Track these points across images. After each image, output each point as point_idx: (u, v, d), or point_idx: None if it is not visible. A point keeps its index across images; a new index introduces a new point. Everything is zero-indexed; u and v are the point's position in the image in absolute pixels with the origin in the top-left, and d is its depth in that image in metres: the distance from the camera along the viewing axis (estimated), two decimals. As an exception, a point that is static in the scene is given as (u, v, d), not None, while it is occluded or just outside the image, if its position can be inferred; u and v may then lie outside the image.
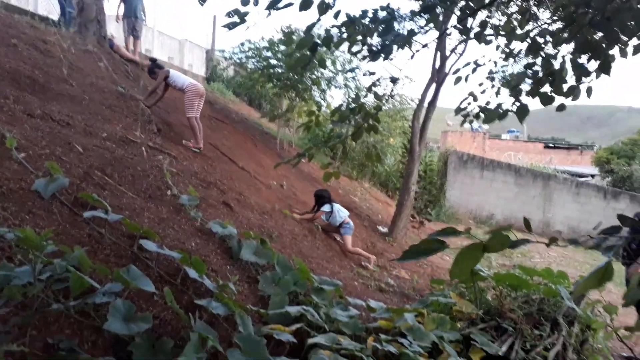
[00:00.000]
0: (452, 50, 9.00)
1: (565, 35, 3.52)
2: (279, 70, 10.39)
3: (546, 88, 3.57)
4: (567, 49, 3.73)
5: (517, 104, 3.65)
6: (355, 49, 3.80)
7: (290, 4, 3.23)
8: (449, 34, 8.25)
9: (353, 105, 4.20)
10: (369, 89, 4.24)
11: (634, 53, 3.45)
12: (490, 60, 4.50)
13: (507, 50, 4.08)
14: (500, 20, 5.95)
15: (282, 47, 10.17)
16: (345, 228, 6.49)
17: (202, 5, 3.46)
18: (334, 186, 9.89)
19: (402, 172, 11.12)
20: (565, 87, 3.51)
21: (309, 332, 3.10)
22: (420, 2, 3.77)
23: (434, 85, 8.97)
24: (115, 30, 10.49)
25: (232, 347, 2.52)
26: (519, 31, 4.10)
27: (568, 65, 3.64)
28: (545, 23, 4.03)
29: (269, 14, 3.32)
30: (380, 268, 6.49)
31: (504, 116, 3.84)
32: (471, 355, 3.27)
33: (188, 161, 5.76)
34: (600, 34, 3.28)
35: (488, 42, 4.16)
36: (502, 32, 4.21)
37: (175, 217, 4.03)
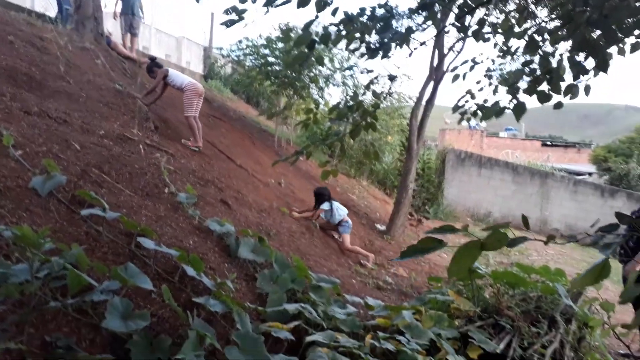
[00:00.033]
0: (450, 48, 9.01)
1: (563, 33, 3.52)
2: (277, 68, 10.38)
3: (544, 86, 3.57)
4: (565, 47, 3.74)
5: (515, 101, 3.65)
6: (353, 46, 3.79)
7: (288, 1, 3.23)
8: (447, 32, 8.26)
9: (351, 103, 4.20)
10: (367, 87, 4.24)
11: (632, 51, 3.46)
12: (488, 58, 4.50)
13: (505, 48, 4.08)
14: (498, 18, 5.95)
15: (280, 45, 10.17)
16: (344, 226, 6.49)
17: (198, 2, 3.45)
18: (331, 184, 9.89)
19: (400, 170, 11.11)
20: (563, 85, 3.52)
21: (307, 329, 3.10)
22: (419, 0, 3.76)
23: (432, 83, 8.98)
24: (112, 27, 10.46)
25: (230, 344, 2.52)
26: (516, 29, 4.10)
27: (566, 64, 3.65)
28: (543, 21, 4.02)
29: (267, 11, 3.32)
30: (378, 266, 6.50)
31: (500, 113, 3.84)
32: (469, 352, 3.27)
33: (185, 159, 5.75)
34: (598, 32, 3.28)
35: (486, 40, 4.16)
36: (500, 30, 4.22)
37: (172, 214, 4.02)
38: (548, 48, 3.79)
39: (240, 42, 11.23)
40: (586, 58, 3.40)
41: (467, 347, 3.34)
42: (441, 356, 3.09)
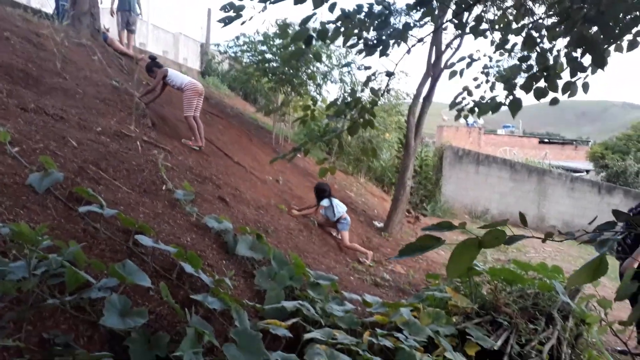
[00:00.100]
0: (448, 45, 9.00)
1: (561, 29, 3.52)
2: (274, 65, 10.36)
3: (541, 84, 3.57)
4: (562, 43, 3.74)
5: (511, 97, 3.66)
6: (350, 42, 3.78)
7: (285, -3, 3.22)
8: (445, 29, 8.25)
9: (349, 99, 4.19)
10: (365, 84, 4.23)
11: (629, 49, 3.46)
12: (485, 55, 4.50)
13: (502, 42, 4.07)
14: (495, 15, 5.96)
15: (278, 41, 10.14)
16: (343, 223, 6.49)
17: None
18: (329, 181, 9.88)
19: (398, 167, 11.13)
20: (560, 83, 3.52)
21: (305, 326, 3.11)
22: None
23: (429, 80, 8.97)
24: (109, 23, 10.41)
25: (228, 341, 2.52)
26: (514, 25, 4.10)
27: (563, 60, 3.65)
28: (541, 18, 4.02)
29: (265, 8, 3.30)
30: (376, 263, 6.51)
31: (497, 109, 3.84)
32: (466, 349, 3.29)
33: (183, 156, 5.74)
34: (595, 29, 3.28)
35: (484, 35, 4.16)
36: (497, 27, 4.21)
37: (170, 212, 4.02)
38: (545, 44, 3.80)
39: (237, 38, 11.21)
40: (583, 55, 3.40)
41: (464, 344, 3.36)
42: (439, 353, 3.10)
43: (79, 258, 2.41)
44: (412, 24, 3.69)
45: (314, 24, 3.65)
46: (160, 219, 3.77)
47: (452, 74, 4.19)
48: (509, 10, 4.56)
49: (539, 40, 3.75)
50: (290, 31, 6.31)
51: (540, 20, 3.99)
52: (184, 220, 3.99)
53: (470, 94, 4.21)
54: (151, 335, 2.38)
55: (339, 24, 3.61)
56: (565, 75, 3.52)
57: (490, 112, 3.94)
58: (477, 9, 4.77)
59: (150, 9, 15.48)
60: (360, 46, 3.77)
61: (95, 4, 8.61)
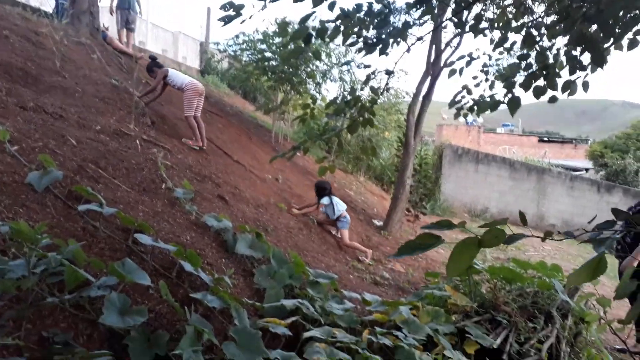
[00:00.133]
0: (447, 44, 8.99)
1: (560, 27, 3.51)
2: (274, 63, 10.35)
3: (540, 82, 3.57)
4: (562, 42, 3.73)
5: (510, 95, 3.65)
6: (350, 41, 3.78)
7: (284, -4, 3.21)
8: (444, 27, 8.24)
9: (349, 97, 4.19)
10: (365, 82, 4.23)
11: (629, 48, 3.46)
12: (484, 54, 4.49)
13: (501, 40, 4.07)
14: (495, 13, 5.95)
15: (277, 40, 10.13)
16: (342, 222, 6.49)
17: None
18: (329, 180, 9.88)
19: (397, 166, 11.13)
20: (560, 81, 3.52)
21: (304, 325, 3.11)
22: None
23: (429, 79, 8.96)
24: (108, 22, 10.40)
25: (227, 340, 2.52)
26: (513, 24, 4.09)
27: (563, 59, 3.65)
28: (540, 17, 4.02)
29: (265, 6, 3.30)
30: (375, 261, 6.51)
31: (495, 107, 3.83)
32: (466, 348, 3.29)
33: (182, 154, 5.74)
34: (594, 27, 3.28)
35: (484, 34, 4.15)
36: (497, 26, 4.21)
37: (170, 210, 4.02)
38: (545, 43, 3.79)
39: (237, 37, 11.19)
40: (582, 53, 3.39)
41: (464, 342, 3.36)
42: (438, 351, 3.10)
43: (79, 256, 2.41)
44: (411, 23, 3.68)
45: (313, 23, 3.65)
46: (159, 218, 3.77)
47: (452, 73, 4.18)
48: (509, 9, 4.55)
49: (538, 38, 3.75)
50: (289, 30, 6.31)
51: (540, 19, 3.99)
52: (184, 219, 3.99)
53: (469, 92, 4.20)
54: (151, 333, 2.38)
55: (338, 22, 3.60)
56: (565, 74, 3.51)
57: (489, 111, 3.94)
58: (477, 8, 4.76)
59: (150, 8, 15.48)
60: (360, 45, 3.77)
61: (95, 3, 8.60)
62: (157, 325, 2.59)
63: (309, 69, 10.46)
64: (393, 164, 14.28)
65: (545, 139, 35.94)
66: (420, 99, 9.05)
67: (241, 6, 3.30)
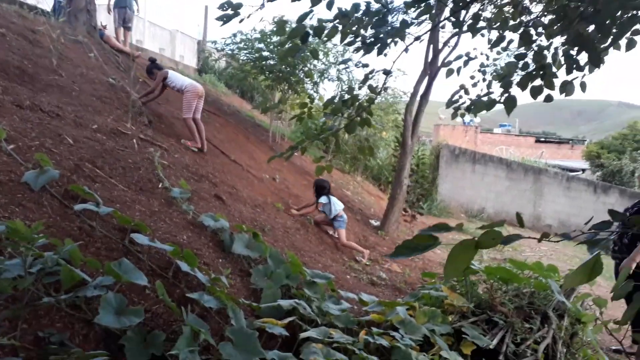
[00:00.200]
0: (445, 43, 8.99)
1: (558, 27, 3.52)
2: (271, 62, 10.34)
3: (537, 82, 3.57)
4: (559, 41, 3.74)
5: (506, 95, 3.66)
6: (348, 40, 3.77)
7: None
8: (442, 27, 8.24)
9: (346, 97, 4.19)
10: (362, 81, 4.23)
11: (627, 49, 3.46)
12: (482, 54, 4.50)
13: (498, 39, 4.07)
14: (492, 13, 5.95)
15: (275, 39, 10.12)
16: (339, 221, 6.49)
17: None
18: (326, 179, 9.89)
19: (395, 166, 11.13)
20: (557, 81, 3.52)
21: (301, 325, 3.11)
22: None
23: (426, 78, 8.96)
24: (106, 20, 10.37)
25: (224, 340, 2.52)
26: (511, 22, 4.09)
27: (560, 59, 3.65)
28: (537, 16, 4.02)
29: (263, 5, 3.29)
30: (372, 262, 6.51)
31: (492, 106, 3.84)
32: (462, 348, 3.29)
33: (179, 154, 5.73)
34: (592, 28, 3.29)
35: (482, 34, 4.16)
36: (494, 25, 4.21)
37: (166, 210, 4.01)
38: (543, 42, 3.79)
39: (234, 35, 11.17)
40: (579, 53, 3.40)
41: (460, 342, 3.36)
42: (435, 352, 3.10)
43: (75, 256, 2.40)
44: (409, 22, 3.68)
45: (311, 21, 3.65)
46: (156, 217, 3.76)
47: (449, 73, 4.18)
48: (506, 9, 4.55)
49: (536, 37, 3.75)
50: (287, 28, 6.31)
51: (538, 19, 3.99)
52: (180, 219, 3.98)
53: (467, 92, 4.21)
54: (147, 333, 2.37)
55: (336, 22, 3.60)
56: (562, 74, 3.52)
57: (485, 110, 3.94)
58: (475, 7, 4.76)
59: (147, 6, 15.44)
60: (358, 44, 3.77)
61: (92, 1, 8.58)
62: (153, 326, 2.59)
63: (306, 68, 10.45)
64: (390, 164, 14.29)
65: (542, 139, 36.01)
66: (418, 98, 9.05)
67: (239, 5, 3.30)
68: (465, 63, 4.19)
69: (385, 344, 2.95)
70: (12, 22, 6.60)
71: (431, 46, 8.93)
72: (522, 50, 3.81)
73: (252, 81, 13.15)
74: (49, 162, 3.37)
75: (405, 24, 3.61)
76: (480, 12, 4.34)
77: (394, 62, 4.03)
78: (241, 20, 3.43)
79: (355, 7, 3.62)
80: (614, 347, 4.71)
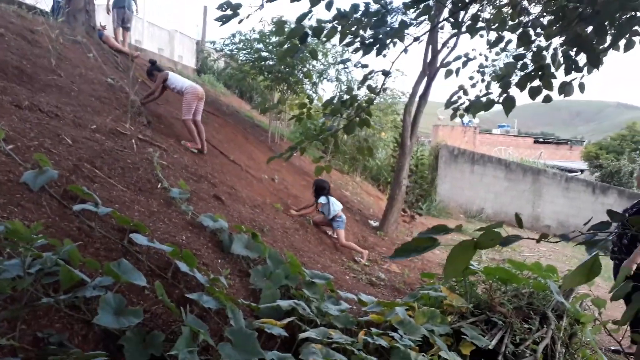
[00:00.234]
0: (444, 44, 9.01)
1: (557, 27, 3.52)
2: (270, 63, 10.34)
3: (536, 82, 3.57)
4: (558, 41, 3.74)
5: (505, 95, 3.66)
6: (347, 40, 3.78)
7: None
8: (441, 28, 8.25)
9: (345, 97, 4.19)
10: (361, 82, 4.23)
11: (625, 50, 3.47)
12: (481, 54, 4.50)
13: (497, 39, 4.07)
14: (491, 14, 5.95)
15: (274, 39, 10.12)
16: (338, 222, 6.49)
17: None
18: (325, 180, 9.89)
19: (394, 166, 11.14)
20: (556, 82, 3.52)
21: (300, 326, 3.11)
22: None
23: (425, 79, 8.97)
24: (105, 20, 10.36)
25: (223, 340, 2.52)
26: (510, 23, 4.09)
27: (560, 59, 3.65)
28: (536, 17, 4.02)
29: (262, 6, 3.29)
30: (371, 262, 6.52)
31: (490, 106, 3.84)
32: (461, 348, 3.29)
33: (178, 154, 5.73)
34: (590, 29, 3.29)
35: (481, 34, 4.16)
36: (493, 26, 4.21)
37: (165, 210, 4.01)
38: (542, 42, 3.80)
39: (233, 36, 11.17)
40: (577, 53, 3.40)
41: (459, 343, 3.36)
42: (434, 352, 3.10)
43: (74, 256, 2.40)
44: (408, 23, 3.68)
45: (310, 22, 3.65)
46: (155, 218, 3.76)
47: (448, 74, 4.19)
48: (505, 9, 4.55)
49: (535, 37, 3.76)
50: (286, 29, 6.31)
51: (537, 19, 3.99)
52: (179, 219, 3.98)
53: (466, 93, 4.21)
54: (146, 334, 2.37)
55: (335, 22, 3.60)
56: (561, 75, 3.52)
57: (483, 110, 3.94)
58: (473, 8, 4.77)
59: (146, 6, 15.43)
60: (357, 45, 3.77)
61: (91, 1, 8.56)
62: (152, 326, 2.58)
63: (305, 69, 10.45)
64: (389, 165, 14.30)
65: (541, 140, 36.05)
66: (417, 99, 9.06)
67: (238, 5, 3.30)
68: (464, 64, 4.19)
69: (384, 345, 2.95)
70: (10, 22, 6.59)
71: (430, 47, 8.95)
72: (521, 50, 3.81)
73: (251, 81, 13.14)
74: (47, 162, 3.37)
75: (404, 25, 3.61)
76: (479, 13, 4.34)
77: (392, 63, 4.03)
78: (240, 21, 3.42)
79: (355, 7, 3.62)
80: (612, 348, 4.71)
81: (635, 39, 3.33)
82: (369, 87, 4.23)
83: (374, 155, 13.87)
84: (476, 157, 15.39)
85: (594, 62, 3.23)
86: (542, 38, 3.78)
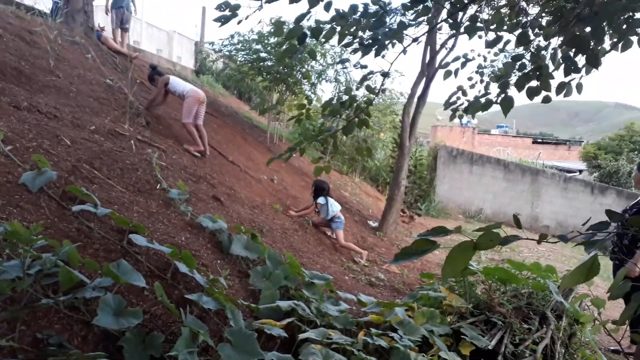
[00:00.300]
0: (443, 45, 9.01)
1: (555, 28, 3.53)
2: (269, 63, 10.34)
3: (534, 83, 3.58)
4: (557, 42, 3.74)
5: (503, 95, 3.66)
6: (346, 41, 3.78)
7: (281, -3, 3.21)
8: (440, 29, 8.26)
9: (344, 97, 4.19)
10: (360, 82, 4.24)
11: (623, 49, 3.47)
12: (479, 55, 4.50)
13: (495, 39, 4.07)
14: (489, 15, 5.96)
15: (272, 40, 10.12)
16: (337, 223, 6.50)
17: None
18: (325, 181, 9.88)
19: (393, 167, 11.15)
20: (554, 83, 3.53)
21: (300, 326, 3.11)
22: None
23: (424, 80, 8.98)
24: (103, 21, 10.36)
25: (223, 341, 2.52)
26: (508, 23, 4.10)
27: (557, 60, 3.66)
28: (534, 18, 4.03)
29: (261, 7, 3.29)
30: (370, 262, 6.52)
31: (488, 107, 3.84)
32: (461, 349, 3.29)
33: (177, 155, 5.72)
34: (588, 29, 3.29)
35: (479, 35, 4.16)
36: (492, 27, 4.22)
37: (164, 211, 4.00)
38: (541, 42, 3.80)
39: (232, 37, 11.18)
40: (575, 54, 3.41)
41: (459, 343, 3.36)
42: (433, 352, 3.10)
43: (73, 257, 2.39)
44: (407, 24, 3.69)
45: (308, 22, 3.65)
46: (154, 219, 3.76)
47: (447, 75, 4.19)
48: (503, 10, 4.56)
49: (533, 37, 3.76)
50: (285, 29, 6.31)
51: (535, 19, 4.00)
52: (179, 220, 3.98)
53: (464, 93, 4.22)
54: (146, 335, 2.37)
55: (334, 23, 3.60)
56: (558, 75, 3.52)
57: (481, 111, 3.95)
58: (472, 9, 4.78)
59: (145, 7, 15.42)
60: (356, 45, 3.77)
61: (89, 2, 8.56)
62: (152, 327, 2.58)
63: (304, 70, 10.46)
64: (388, 165, 14.32)
65: (539, 140, 36.11)
66: (415, 100, 9.07)
67: (237, 6, 3.30)
68: (463, 65, 4.19)
69: (384, 345, 2.95)
70: (9, 23, 6.59)
71: (428, 48, 8.95)
72: (519, 51, 3.82)
73: (249, 82, 13.15)
74: (46, 163, 3.36)
75: (402, 26, 3.61)
76: (477, 14, 4.35)
77: (391, 64, 4.03)
78: (239, 22, 3.42)
79: (353, 8, 3.62)
80: (612, 348, 4.72)
81: (633, 38, 3.34)
82: (368, 88, 4.24)
83: (373, 156, 13.88)
84: (475, 157, 15.40)
85: (593, 63, 3.24)
86: (540, 38, 3.79)
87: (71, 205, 3.13)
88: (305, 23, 3.53)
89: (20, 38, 6.29)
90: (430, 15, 3.98)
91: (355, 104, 4.19)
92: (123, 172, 4.28)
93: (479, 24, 4.07)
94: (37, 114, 4.55)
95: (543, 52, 3.77)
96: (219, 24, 3.32)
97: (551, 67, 3.65)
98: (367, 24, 3.63)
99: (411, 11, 3.84)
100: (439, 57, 8.91)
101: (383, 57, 3.69)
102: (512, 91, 3.68)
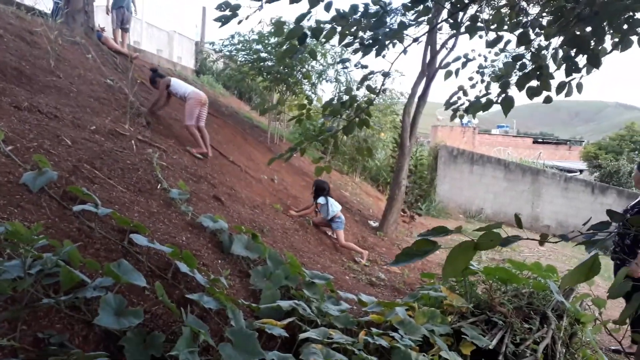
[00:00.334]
0: (443, 45, 9.01)
1: (556, 27, 3.53)
2: (269, 64, 10.35)
3: (534, 83, 3.58)
4: (557, 42, 3.74)
5: (503, 95, 3.66)
6: (346, 41, 3.78)
7: (281, -4, 3.20)
8: (440, 29, 8.26)
9: (345, 97, 4.19)
10: (361, 82, 4.24)
11: (622, 49, 3.47)
12: (480, 55, 4.50)
13: (495, 39, 4.07)
14: (490, 15, 5.96)
15: (273, 40, 10.13)
16: (337, 222, 6.50)
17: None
18: (325, 181, 9.88)
19: (393, 167, 11.13)
20: (554, 82, 3.53)
21: (300, 326, 3.10)
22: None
23: (424, 80, 8.98)
24: (103, 21, 10.36)
25: (223, 341, 2.52)
26: (509, 23, 4.10)
27: (557, 60, 3.66)
28: (534, 18, 4.03)
29: (261, 7, 3.29)
30: (371, 262, 6.52)
31: (488, 107, 3.84)
32: (462, 348, 3.29)
33: (178, 155, 5.73)
34: (589, 29, 3.29)
35: (479, 35, 4.16)
36: (492, 27, 4.22)
37: (165, 211, 4.01)
38: (541, 42, 3.80)
39: (232, 37, 11.18)
40: (576, 54, 3.41)
41: (460, 343, 3.36)
42: (434, 352, 3.10)
43: (74, 257, 2.39)
44: (407, 24, 3.69)
45: (309, 22, 3.65)
46: (155, 218, 3.76)
47: (448, 74, 4.19)
48: (503, 10, 4.56)
49: (534, 37, 3.76)
50: (285, 29, 6.31)
51: (535, 19, 4.00)
52: (179, 220, 3.98)
53: (465, 93, 4.22)
54: (147, 334, 2.37)
55: (334, 23, 3.60)
56: (558, 75, 3.53)
57: (481, 110, 3.95)
58: (472, 9, 4.78)
59: (145, 7, 15.40)
60: (356, 45, 3.77)
61: (90, 2, 8.56)
62: (153, 327, 2.58)
63: (304, 70, 10.46)
64: (388, 165, 14.30)
65: (540, 140, 36.09)
66: (416, 100, 9.07)
67: (237, 6, 3.30)
68: (464, 65, 4.20)
69: (384, 345, 2.95)
70: (9, 23, 6.59)
71: (429, 48, 8.95)
72: (520, 51, 3.82)
73: (250, 82, 13.15)
74: (47, 163, 3.37)
75: (403, 26, 3.61)
76: (478, 14, 4.35)
77: (392, 64, 4.03)
78: (240, 22, 3.42)
79: (354, 8, 3.62)
80: (613, 347, 4.72)
81: (634, 38, 3.34)
82: (369, 88, 4.24)
83: (374, 156, 13.88)
84: (475, 157, 15.40)
85: (594, 63, 3.24)
86: (541, 38, 3.79)
87: (72, 205, 3.13)
88: (305, 23, 3.53)
89: (21, 38, 6.30)
90: (430, 15, 3.98)
91: (355, 104, 4.19)
92: (124, 172, 4.29)
93: (479, 24, 4.07)
94: (38, 114, 4.55)
95: (544, 52, 3.77)
96: (219, 24, 3.32)
97: (552, 67, 3.65)
98: (368, 24, 3.63)
99: (412, 11, 3.84)
100: (439, 57, 8.92)
101: (383, 57, 3.69)
102: (512, 91, 3.69)
